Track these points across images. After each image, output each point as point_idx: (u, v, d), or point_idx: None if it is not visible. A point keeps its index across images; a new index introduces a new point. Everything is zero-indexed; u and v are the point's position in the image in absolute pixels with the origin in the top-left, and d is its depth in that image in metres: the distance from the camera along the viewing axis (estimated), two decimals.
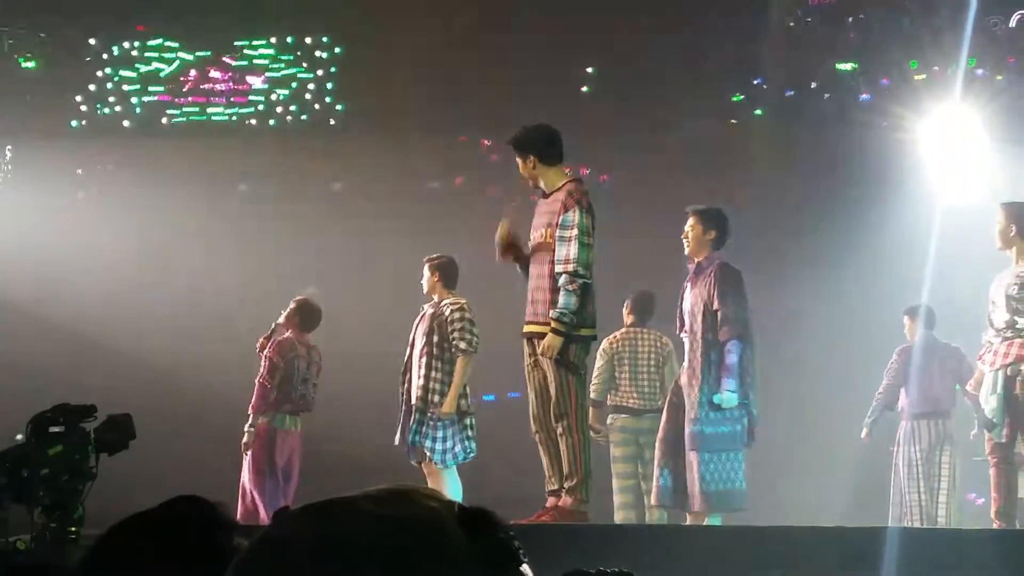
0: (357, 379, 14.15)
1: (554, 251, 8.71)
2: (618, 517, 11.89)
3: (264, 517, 11.73)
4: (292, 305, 12.41)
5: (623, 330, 12.25)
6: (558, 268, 8.67)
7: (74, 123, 16.79)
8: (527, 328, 8.94)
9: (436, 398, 10.75)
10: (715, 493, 9.61)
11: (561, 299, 8.64)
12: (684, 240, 10.00)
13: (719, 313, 9.66)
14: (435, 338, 10.85)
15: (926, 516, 12.01)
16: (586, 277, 8.69)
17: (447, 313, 10.87)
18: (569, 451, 8.71)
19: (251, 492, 12.07)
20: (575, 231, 8.66)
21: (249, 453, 12.16)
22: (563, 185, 8.86)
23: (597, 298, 8.96)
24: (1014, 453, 10.08)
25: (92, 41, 16.73)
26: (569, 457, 8.71)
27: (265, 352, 12.17)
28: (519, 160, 8.98)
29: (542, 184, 8.96)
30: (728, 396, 9.57)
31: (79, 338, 15.58)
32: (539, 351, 8.71)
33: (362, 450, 13.30)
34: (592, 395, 11.98)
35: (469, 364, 10.81)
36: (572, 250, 8.65)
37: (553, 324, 8.64)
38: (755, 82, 16.68)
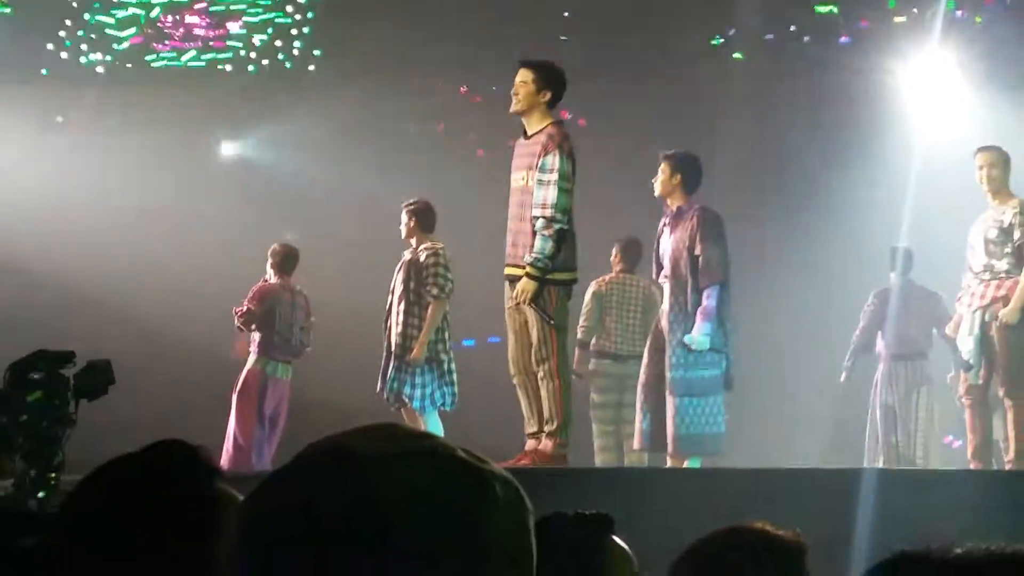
0: (339, 325, 14.14)
1: (533, 194, 8.68)
2: (598, 460, 11.94)
3: (254, 463, 11.74)
4: (270, 250, 12.44)
5: (612, 274, 12.27)
6: (535, 212, 8.65)
7: (47, 71, 16.69)
8: (508, 271, 8.92)
9: (414, 344, 10.78)
10: (693, 436, 9.65)
11: (537, 244, 8.62)
12: (653, 183, 10.00)
13: (700, 257, 9.67)
14: (412, 284, 10.87)
15: (903, 457, 12.08)
16: (563, 223, 8.65)
17: (422, 259, 10.88)
18: (550, 395, 8.72)
19: (238, 438, 12.05)
20: (555, 175, 8.62)
21: (236, 400, 12.15)
22: (544, 127, 8.81)
23: (579, 242, 8.94)
24: (989, 394, 10.13)
25: None
26: (550, 401, 8.73)
27: (247, 298, 12.19)
28: (531, 83, 8.82)
29: (526, 121, 8.88)
30: (701, 339, 9.59)
31: (57, 285, 15.53)
32: (514, 295, 8.71)
33: (345, 396, 13.31)
34: (579, 336, 12.00)
35: (440, 309, 10.83)
36: (550, 194, 8.61)
37: (528, 269, 8.63)
38: (731, 32, 16.64)
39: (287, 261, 12.42)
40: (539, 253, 8.61)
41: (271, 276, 12.38)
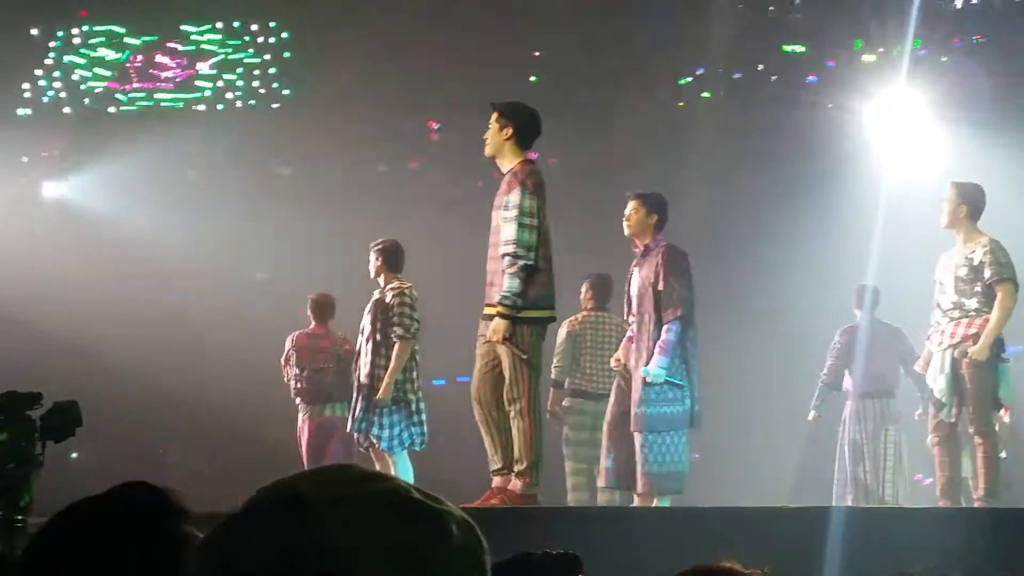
0: None
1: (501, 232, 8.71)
2: (570, 499, 11.91)
3: None
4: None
5: (584, 313, 12.25)
6: (501, 250, 8.67)
7: (20, 111, 16.67)
8: (485, 310, 8.92)
9: (381, 384, 10.77)
10: (656, 475, 9.65)
11: (505, 282, 8.62)
12: (625, 223, 10.04)
13: (663, 294, 9.70)
14: (379, 324, 10.86)
15: (872, 495, 12.09)
16: (526, 258, 8.63)
17: (388, 298, 10.88)
18: (520, 435, 8.70)
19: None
20: (515, 212, 8.63)
21: None
22: (514, 167, 8.83)
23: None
24: (958, 432, 10.14)
25: (36, 29, 16.61)
26: (520, 441, 8.70)
27: None
28: (495, 124, 8.85)
29: (499, 163, 8.90)
30: (656, 372, 9.59)
31: (24, 325, 15.47)
32: (487, 334, 8.70)
33: None
34: (553, 375, 11.98)
35: (407, 349, 10.80)
36: (513, 231, 8.61)
37: (497, 308, 8.64)
38: (699, 72, 16.72)
39: (316, 309, 12.79)
40: (507, 291, 8.61)
41: (310, 325, 12.80)
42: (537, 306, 8.74)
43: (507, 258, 8.62)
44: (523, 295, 8.63)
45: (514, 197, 8.64)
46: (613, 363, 10.61)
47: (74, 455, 15.40)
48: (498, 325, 8.62)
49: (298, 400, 12.57)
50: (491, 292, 8.81)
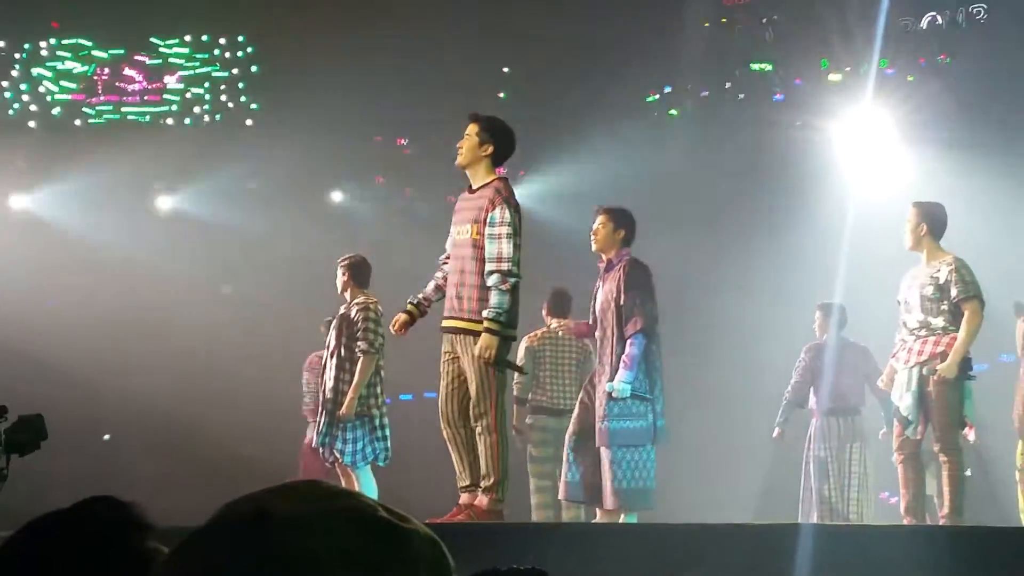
0: (273, 379, 14.10)
1: (482, 248, 8.64)
2: (535, 516, 11.90)
3: None
4: None
5: (543, 328, 12.26)
6: (490, 266, 8.58)
7: None
8: (448, 323, 8.85)
9: (345, 399, 10.75)
10: (625, 491, 9.63)
11: (494, 298, 8.56)
12: (592, 237, 10.03)
13: (624, 308, 9.69)
14: (344, 339, 10.86)
15: (836, 512, 12.11)
16: (518, 276, 8.62)
17: (353, 313, 10.87)
18: (487, 450, 8.67)
19: None
20: (506, 229, 8.58)
21: None
22: (491, 182, 8.78)
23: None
24: (921, 450, 10.17)
25: (4, 41, 16.56)
26: (487, 456, 8.68)
27: None
28: (475, 137, 8.80)
29: (471, 174, 8.87)
30: (621, 387, 9.57)
31: None
32: (476, 352, 8.59)
33: (280, 452, 13.26)
34: (516, 392, 11.98)
35: (370, 365, 10.79)
36: (504, 248, 8.57)
37: (487, 324, 8.54)
38: (667, 89, 16.77)
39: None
40: (498, 308, 8.54)
41: None
42: (511, 324, 8.74)
43: (496, 275, 8.55)
44: (509, 311, 8.61)
45: (502, 213, 8.59)
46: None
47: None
48: (490, 342, 8.53)
49: (307, 418, 12.69)
50: (458, 306, 8.78)
